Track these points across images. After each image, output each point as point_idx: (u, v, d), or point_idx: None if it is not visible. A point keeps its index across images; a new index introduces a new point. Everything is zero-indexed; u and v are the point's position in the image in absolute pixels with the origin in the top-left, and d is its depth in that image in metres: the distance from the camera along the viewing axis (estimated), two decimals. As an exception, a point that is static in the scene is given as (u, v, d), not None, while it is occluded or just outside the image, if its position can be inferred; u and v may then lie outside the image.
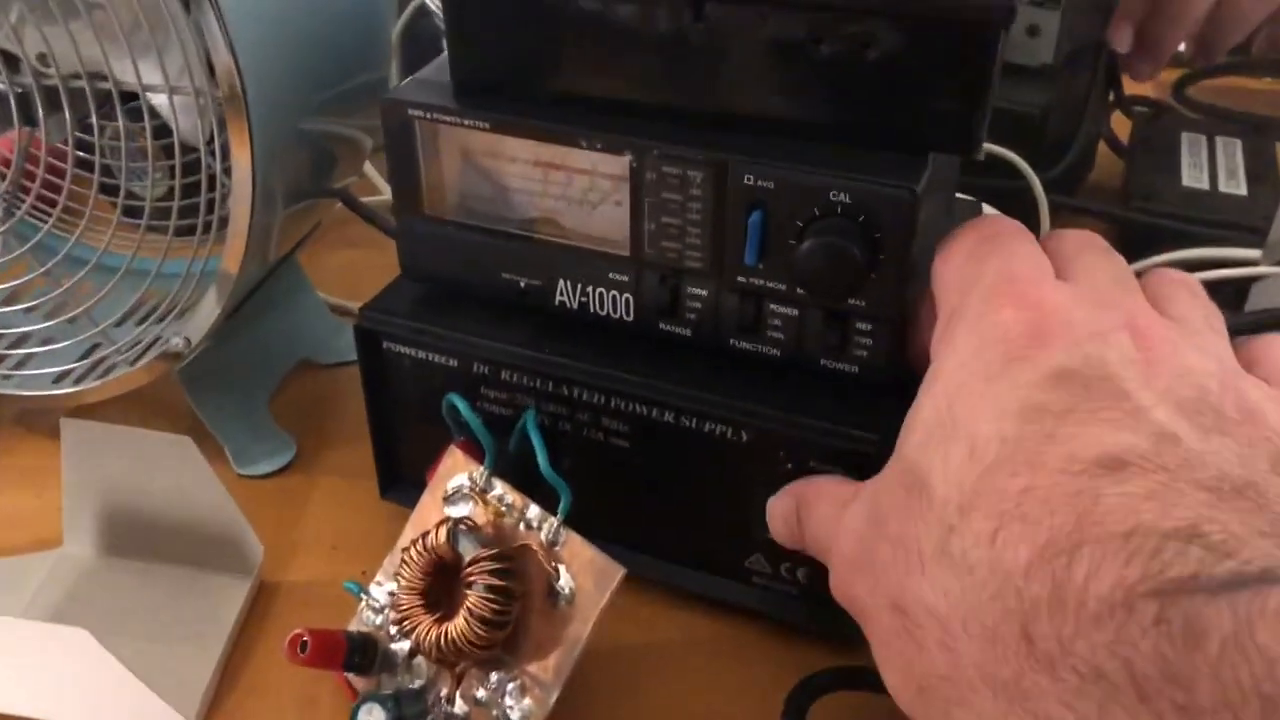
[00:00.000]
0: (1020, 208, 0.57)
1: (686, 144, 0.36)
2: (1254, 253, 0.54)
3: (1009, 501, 0.24)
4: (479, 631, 0.35)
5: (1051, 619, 0.23)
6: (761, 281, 0.37)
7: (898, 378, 0.36)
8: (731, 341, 0.39)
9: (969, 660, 0.24)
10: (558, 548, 0.37)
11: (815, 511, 0.35)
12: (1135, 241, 0.60)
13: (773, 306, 0.37)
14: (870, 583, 0.29)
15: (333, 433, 0.52)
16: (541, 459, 0.38)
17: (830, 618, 0.41)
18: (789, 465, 0.38)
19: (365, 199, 0.64)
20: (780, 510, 0.37)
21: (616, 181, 0.37)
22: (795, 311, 0.37)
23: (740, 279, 0.37)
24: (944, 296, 0.32)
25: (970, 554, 0.25)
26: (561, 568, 0.37)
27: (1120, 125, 0.75)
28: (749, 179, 0.35)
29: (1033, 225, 0.58)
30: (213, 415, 0.50)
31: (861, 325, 0.36)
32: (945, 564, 0.25)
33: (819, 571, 0.40)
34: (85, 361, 0.50)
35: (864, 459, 0.37)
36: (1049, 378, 0.25)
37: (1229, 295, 0.53)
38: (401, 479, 0.46)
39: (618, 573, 0.36)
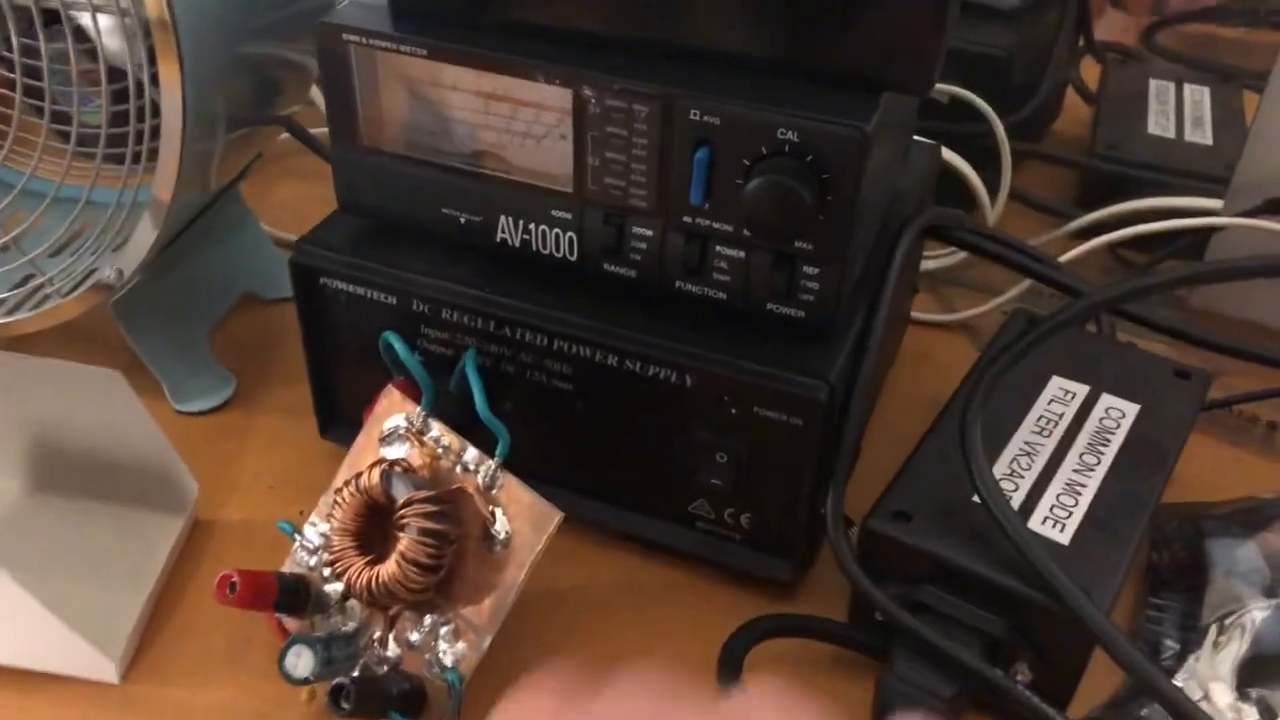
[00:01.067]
0: (983, 152, 0.57)
1: (632, 76, 0.34)
2: (1215, 203, 0.53)
3: None
4: (411, 575, 0.35)
5: None
6: (708, 222, 0.36)
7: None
8: (677, 284, 0.38)
9: None
10: (495, 491, 0.36)
11: None
12: (1099, 190, 0.59)
13: (719, 248, 0.36)
14: None
15: (274, 369, 0.51)
16: (479, 401, 0.37)
17: (772, 564, 0.40)
18: (733, 410, 0.38)
19: (313, 130, 0.62)
20: None
21: (560, 114, 0.36)
22: (742, 254, 0.36)
23: (686, 219, 0.36)
24: None
25: None
26: (498, 511, 0.36)
27: (1090, 73, 0.74)
28: (695, 114, 0.34)
29: (995, 172, 0.57)
30: (149, 350, 0.49)
31: (808, 269, 0.35)
32: None
33: (762, 518, 0.40)
34: (17, 292, 0.48)
35: (809, 405, 0.36)
36: None
37: (1189, 245, 0.53)
38: (341, 418, 0.45)
39: (555, 517, 0.35)
